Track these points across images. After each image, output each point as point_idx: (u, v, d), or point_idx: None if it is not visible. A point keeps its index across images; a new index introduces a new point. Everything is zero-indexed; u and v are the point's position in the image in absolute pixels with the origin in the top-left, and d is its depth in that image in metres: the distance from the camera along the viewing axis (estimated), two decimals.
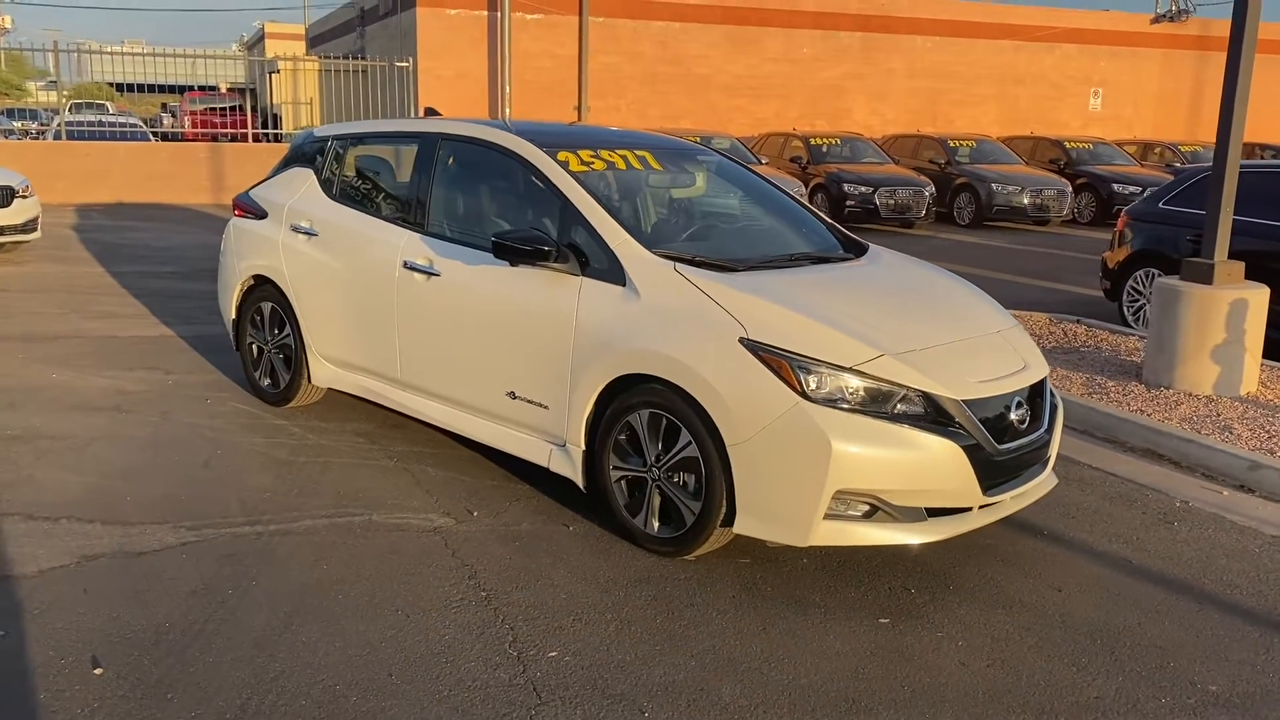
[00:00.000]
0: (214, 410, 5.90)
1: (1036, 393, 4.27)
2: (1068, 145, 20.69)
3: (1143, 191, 18.32)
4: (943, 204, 18.28)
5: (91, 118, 19.73)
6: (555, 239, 4.46)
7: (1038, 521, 4.63)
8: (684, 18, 19.75)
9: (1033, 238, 17.19)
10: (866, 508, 3.82)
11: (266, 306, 5.93)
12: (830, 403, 3.76)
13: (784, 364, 3.80)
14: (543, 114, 18.82)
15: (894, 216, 17.02)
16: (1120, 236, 9.42)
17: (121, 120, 19.86)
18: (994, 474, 3.95)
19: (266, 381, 6.02)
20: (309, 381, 5.74)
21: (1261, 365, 6.89)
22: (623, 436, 4.24)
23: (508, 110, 18.41)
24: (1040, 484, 4.28)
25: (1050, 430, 4.31)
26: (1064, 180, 18.65)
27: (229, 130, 23.27)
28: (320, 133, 5.97)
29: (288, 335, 5.80)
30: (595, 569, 4.05)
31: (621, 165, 4.86)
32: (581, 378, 4.30)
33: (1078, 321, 8.91)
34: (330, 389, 5.74)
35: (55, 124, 18.42)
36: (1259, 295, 6.55)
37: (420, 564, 4.05)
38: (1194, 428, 5.87)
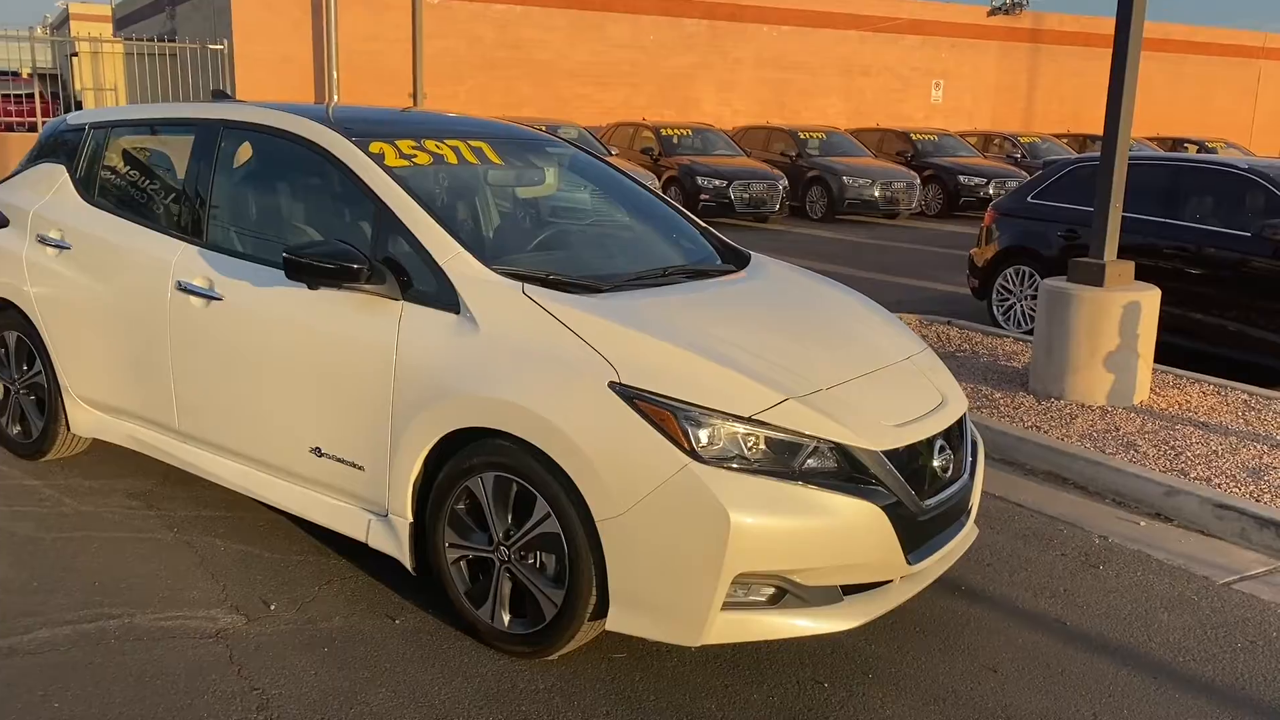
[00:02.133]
0: None
1: (957, 432, 3.58)
2: (914, 137, 20.69)
3: (987, 183, 18.42)
4: (795, 197, 17.92)
5: None
6: (367, 253, 3.52)
7: (952, 573, 3.96)
8: (524, 0, 18.76)
9: (886, 231, 16.99)
10: (772, 591, 3.05)
11: (11, 337, 4.76)
12: (725, 462, 2.96)
13: (668, 415, 2.98)
14: (376, 102, 17.53)
15: (749, 211, 16.52)
16: (988, 233, 9.02)
17: None
18: (918, 536, 3.24)
19: (16, 429, 4.84)
20: (68, 430, 4.61)
21: (1153, 370, 6.50)
22: (461, 506, 3.35)
23: (335, 99, 17.06)
24: (964, 539, 3.60)
25: (973, 475, 3.64)
26: (912, 173, 18.56)
27: (22, 119, 20.96)
28: (75, 119, 4.82)
29: (39, 373, 4.65)
30: (427, 686, 3.14)
31: (452, 159, 3.93)
32: (405, 431, 3.38)
33: (949, 323, 8.45)
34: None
35: None
36: (1151, 297, 6.12)
37: (191, 691, 3.05)
38: (1096, 445, 5.36)
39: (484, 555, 3.32)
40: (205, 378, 3.96)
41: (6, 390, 4.84)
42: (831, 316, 3.89)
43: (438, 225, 3.49)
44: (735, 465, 2.97)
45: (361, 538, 3.60)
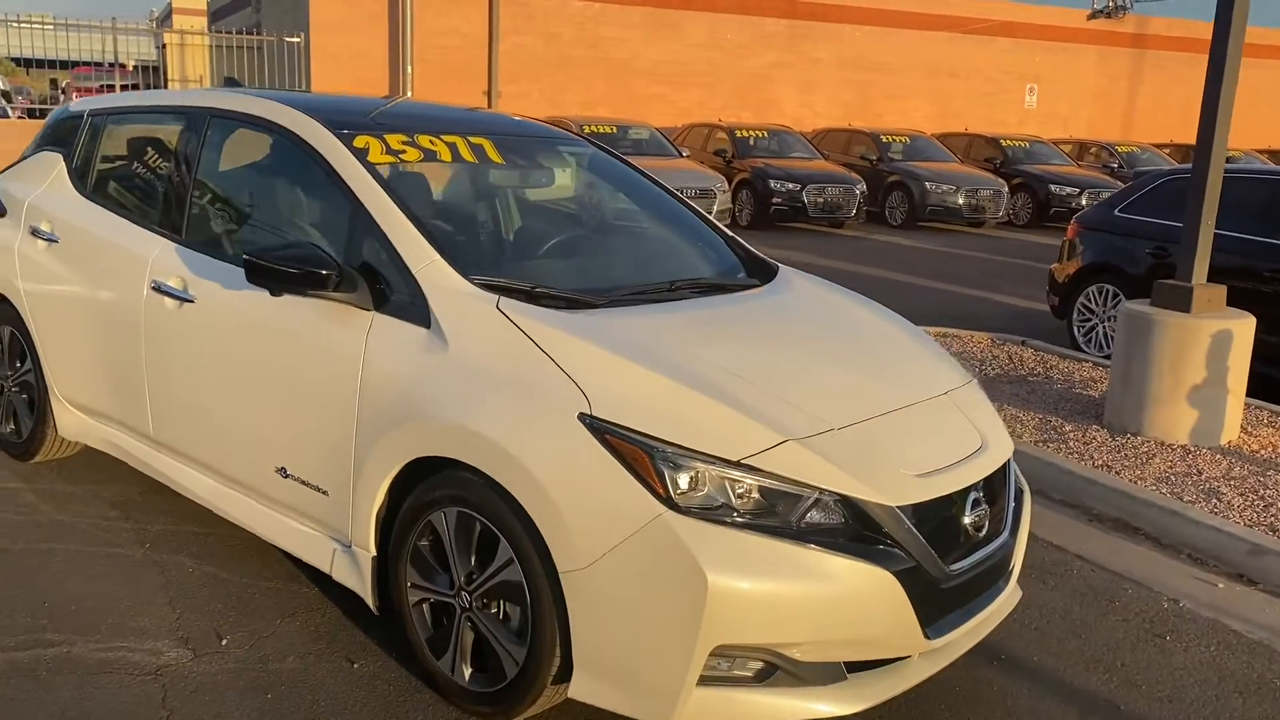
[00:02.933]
0: None
1: (998, 481, 3.11)
2: (1004, 143, 19.85)
3: (1079, 193, 17.55)
4: (874, 203, 17.29)
5: None
6: (341, 257, 3.19)
7: (991, 635, 3.47)
8: None
9: (968, 240, 16.27)
10: (760, 665, 2.61)
11: (5, 332, 4.56)
12: (709, 513, 2.55)
13: (642, 455, 2.57)
14: (449, 98, 17.31)
15: (823, 215, 15.96)
16: (1070, 247, 8.39)
17: None
18: (940, 606, 2.78)
19: (9, 428, 4.64)
20: (55, 432, 4.38)
21: (1245, 405, 5.86)
22: (425, 543, 2.99)
23: (409, 93, 16.96)
24: (1001, 605, 3.11)
25: (1015, 532, 3.15)
26: (1000, 180, 17.78)
27: None
28: (77, 106, 4.60)
29: (29, 371, 4.43)
30: None
31: (446, 156, 3.57)
32: (368, 456, 3.03)
33: (1023, 343, 7.85)
34: None
35: None
36: (1244, 326, 5.50)
37: None
38: (1174, 491, 4.79)
39: (446, 600, 2.95)
40: (177, 385, 3.68)
41: (1, 388, 4.65)
42: (859, 341, 3.44)
43: (414, 229, 3.14)
44: (720, 517, 2.55)
45: (326, 569, 3.27)
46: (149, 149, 4.17)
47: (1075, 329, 8.25)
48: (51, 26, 15.99)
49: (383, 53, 17.01)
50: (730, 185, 16.13)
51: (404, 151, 3.47)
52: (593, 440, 2.61)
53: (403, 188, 3.33)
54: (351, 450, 3.08)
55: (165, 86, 22.18)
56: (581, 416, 2.63)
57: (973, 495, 2.90)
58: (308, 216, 3.55)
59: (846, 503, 2.64)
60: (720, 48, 19.83)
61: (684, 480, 2.56)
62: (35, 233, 4.29)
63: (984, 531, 2.93)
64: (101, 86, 27.84)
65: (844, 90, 21.22)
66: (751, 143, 17.31)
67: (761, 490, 2.60)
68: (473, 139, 3.71)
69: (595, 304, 3.13)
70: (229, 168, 3.81)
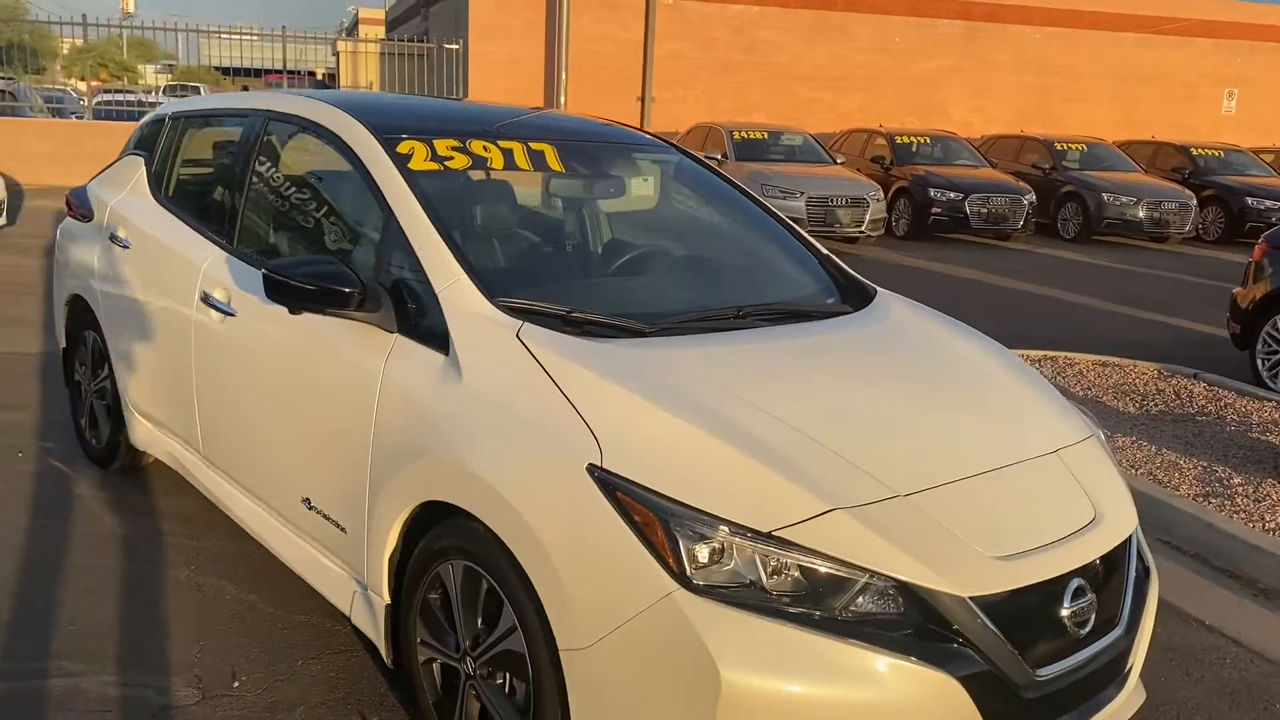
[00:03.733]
0: (12, 469, 4.50)
1: (1114, 563, 2.55)
2: (1194, 152, 18.29)
3: None
4: (1045, 214, 16.20)
5: (130, 97, 18.81)
6: (368, 272, 2.93)
7: None
8: (762, 1, 17.98)
9: (1148, 256, 15.01)
10: None
11: (90, 337, 4.53)
12: (731, 594, 2.13)
13: (654, 520, 2.18)
14: (603, 105, 17.28)
15: (986, 227, 15.03)
16: (1257, 269, 7.45)
17: (155, 102, 18.94)
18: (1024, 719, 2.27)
19: (92, 435, 4.61)
20: (129, 440, 4.30)
21: None
22: (434, 596, 2.68)
23: (562, 100, 16.94)
24: (1114, 715, 2.55)
25: (1135, 626, 2.59)
26: (1188, 192, 16.36)
27: None
28: (162, 109, 4.53)
29: (108, 377, 4.38)
30: None
31: (498, 164, 3.25)
32: (380, 494, 2.75)
33: (1195, 377, 7.00)
34: None
35: (91, 103, 17.63)
36: None
37: None
38: None
39: (453, 663, 2.63)
40: (220, 402, 3.51)
41: (86, 393, 4.63)
42: (953, 385, 2.93)
43: (443, 244, 2.83)
44: (745, 600, 2.12)
45: (346, 611, 3.01)
46: (212, 153, 4.03)
47: (1259, 362, 7.31)
48: (243, 37, 16.79)
49: (538, 59, 17.05)
50: (888, 193, 15.43)
51: (451, 158, 3.17)
52: (601, 498, 2.23)
53: (441, 197, 3.03)
54: (366, 485, 2.80)
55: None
56: (591, 469, 2.26)
57: (1075, 583, 2.37)
58: (347, 226, 3.31)
59: (904, 590, 2.17)
60: (887, 51, 19.04)
61: (702, 553, 2.15)
62: (113, 238, 4.22)
63: (1088, 627, 2.39)
64: None
65: (1020, 95, 20.03)
66: (913, 149, 16.50)
67: (797, 571, 2.16)
68: (534, 145, 3.38)
69: (645, 331, 2.75)
70: (279, 172, 3.61)
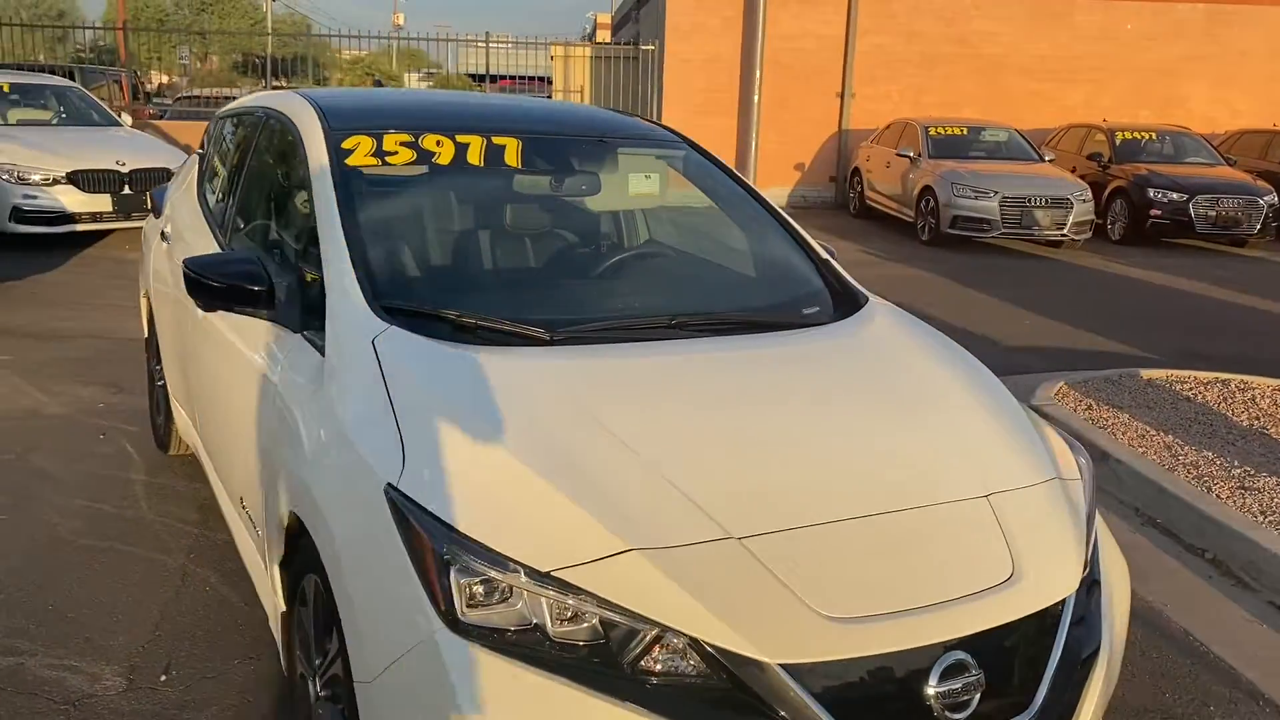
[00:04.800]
0: (90, 450, 4.79)
1: (1027, 635, 2.11)
2: None
3: None
4: None
5: None
6: (289, 270, 2.88)
7: None
8: None
9: None
10: None
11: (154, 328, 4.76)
12: (508, 640, 1.89)
13: (428, 549, 1.97)
14: (800, 103, 16.82)
15: (1215, 231, 13.50)
16: None
17: None
18: None
19: (156, 421, 4.85)
20: (175, 429, 4.48)
21: None
22: (303, 608, 2.57)
23: (755, 99, 16.61)
24: None
25: (1057, 714, 2.12)
26: None
27: None
28: (222, 110, 4.69)
29: (160, 366, 4.58)
30: None
31: (446, 159, 3.09)
32: (269, 500, 2.68)
33: None
34: None
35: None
36: None
37: None
38: None
39: (310, 681, 2.52)
40: (201, 397, 3.57)
41: (153, 381, 4.87)
42: (890, 412, 2.53)
43: (343, 241, 2.73)
44: (521, 648, 1.88)
45: (270, 615, 2.96)
46: (229, 150, 4.11)
47: None
48: (487, 44, 17.65)
49: (734, 57, 16.79)
50: (1104, 194, 14.18)
51: (395, 153, 3.07)
52: (391, 521, 2.04)
53: (366, 195, 2.93)
54: (263, 486, 2.74)
55: (550, 98, 23.67)
56: (389, 489, 2.08)
57: (951, 657, 1.97)
58: (291, 223, 3.26)
59: (700, 649, 1.86)
60: (1116, 39, 17.49)
61: (476, 590, 1.92)
62: (163, 235, 4.41)
63: (967, 712, 1.98)
64: None
65: (1273, 85, 17.91)
66: (1138, 145, 15.05)
67: (578, 619, 1.89)
68: (496, 140, 3.21)
69: (546, 339, 2.55)
70: (259, 166, 3.62)
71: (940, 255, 12.37)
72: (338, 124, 3.15)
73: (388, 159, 3.04)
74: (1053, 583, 2.17)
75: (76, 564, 3.72)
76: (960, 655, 1.98)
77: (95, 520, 4.06)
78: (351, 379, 2.40)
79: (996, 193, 12.62)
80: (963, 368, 2.82)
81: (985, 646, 2.02)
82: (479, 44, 18.31)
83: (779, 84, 16.81)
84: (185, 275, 2.81)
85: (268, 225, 3.43)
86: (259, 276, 2.78)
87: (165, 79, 44.19)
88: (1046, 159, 14.19)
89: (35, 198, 9.47)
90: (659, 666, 1.87)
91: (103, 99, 13.16)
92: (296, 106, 3.36)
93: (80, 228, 9.79)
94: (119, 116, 12.19)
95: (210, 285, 2.77)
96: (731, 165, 15.84)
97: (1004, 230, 12.69)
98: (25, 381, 5.79)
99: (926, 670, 1.95)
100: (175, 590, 3.56)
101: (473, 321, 2.56)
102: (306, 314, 2.71)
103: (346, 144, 3.05)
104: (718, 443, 2.24)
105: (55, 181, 9.55)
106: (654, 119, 16.44)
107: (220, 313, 3.15)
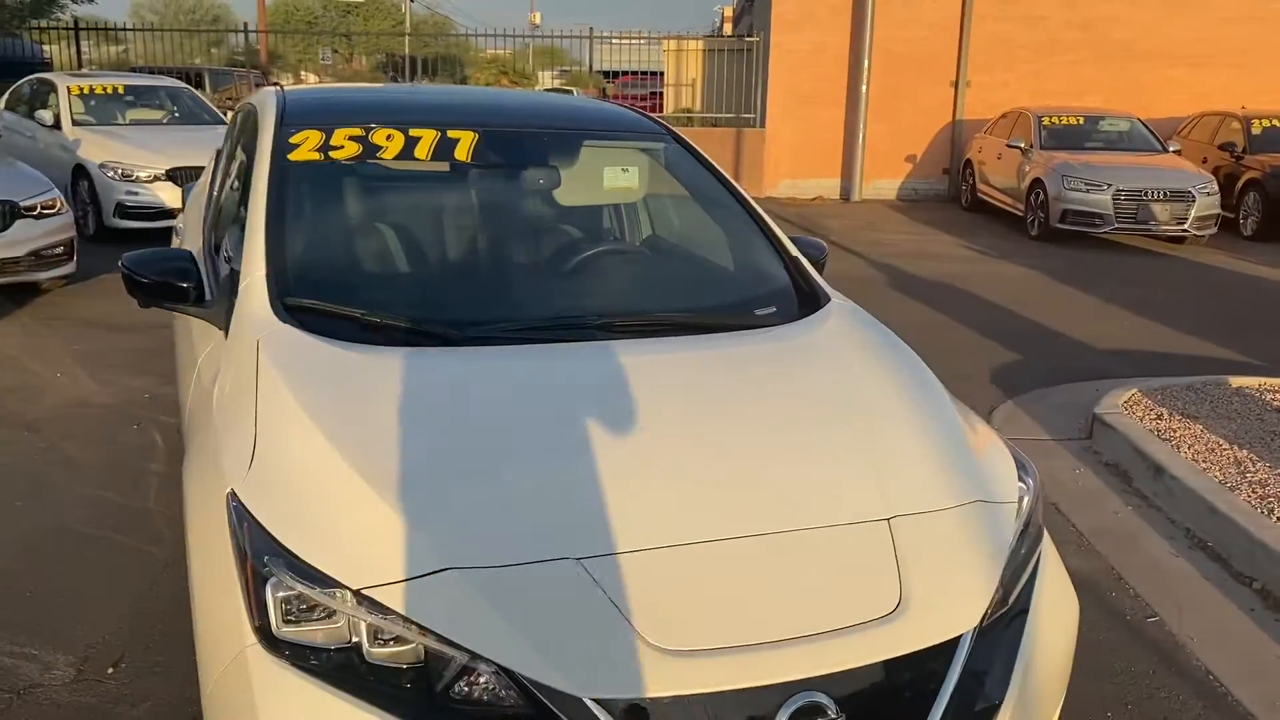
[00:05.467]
0: (120, 440, 4.92)
1: (911, 673, 1.89)
2: None
3: None
4: None
5: None
6: (223, 268, 2.86)
7: None
8: None
9: None
10: None
11: None
12: (321, 660, 1.80)
13: (249, 559, 1.90)
14: (912, 92, 16.22)
15: None
16: None
17: None
18: None
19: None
20: None
21: None
22: None
23: (863, 89, 16.10)
24: None
25: None
26: None
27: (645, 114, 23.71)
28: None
29: None
30: None
31: (391, 154, 3.01)
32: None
33: None
34: None
35: None
36: None
37: None
38: None
39: None
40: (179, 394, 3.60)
41: None
42: (798, 426, 2.32)
43: (261, 239, 2.69)
44: (333, 669, 1.78)
45: None
46: (225, 146, 4.14)
47: None
48: (612, 40, 17.83)
49: (842, 46, 16.32)
50: (1236, 186, 13.24)
51: (341, 148, 3.00)
52: (225, 528, 1.97)
53: (302, 189, 2.89)
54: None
55: (662, 91, 23.61)
56: (230, 497, 2.01)
57: (805, 697, 1.78)
58: (239, 218, 3.23)
59: (513, 680, 1.72)
60: (1263, 19, 16.28)
61: (296, 605, 1.83)
62: (175, 232, 4.48)
63: None
64: (636, 94, 30.41)
65: None
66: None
67: (389, 642, 1.78)
68: (451, 133, 3.12)
69: (454, 340, 2.45)
70: (234, 163, 3.63)
71: (1048, 251, 11.75)
72: (293, 119, 3.12)
73: (331, 153, 2.99)
74: (945, 619, 1.94)
75: (68, 552, 3.81)
76: (816, 697, 1.78)
77: (100, 509, 4.16)
78: (230, 379, 2.36)
79: (1110, 185, 11.91)
80: (905, 378, 2.58)
81: (852, 688, 1.82)
82: (582, 38, 18.35)
83: (889, 73, 16.29)
84: (121, 272, 2.82)
85: (230, 221, 3.43)
86: (189, 273, 2.77)
87: (315, 79, 46.00)
88: (1170, 149, 13.33)
89: (137, 194, 9.89)
90: (479, 696, 1.74)
91: (231, 99, 13.70)
92: (266, 101, 3.35)
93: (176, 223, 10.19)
94: None
95: (141, 281, 2.77)
96: (839, 157, 15.25)
97: (1118, 225, 11.97)
98: (85, 371, 6.02)
99: (772, 713, 1.76)
100: (152, 583, 3.60)
101: (378, 321, 2.49)
102: (229, 311, 2.67)
103: (295, 139, 3.01)
104: (589, 454, 2.09)
105: (156, 178, 9.95)
106: (757, 111, 16.24)
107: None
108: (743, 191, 3.32)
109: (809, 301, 2.92)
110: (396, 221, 3.12)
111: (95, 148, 10.20)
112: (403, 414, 2.13)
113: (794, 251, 3.12)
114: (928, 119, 16.64)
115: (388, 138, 3.06)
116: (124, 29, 18.04)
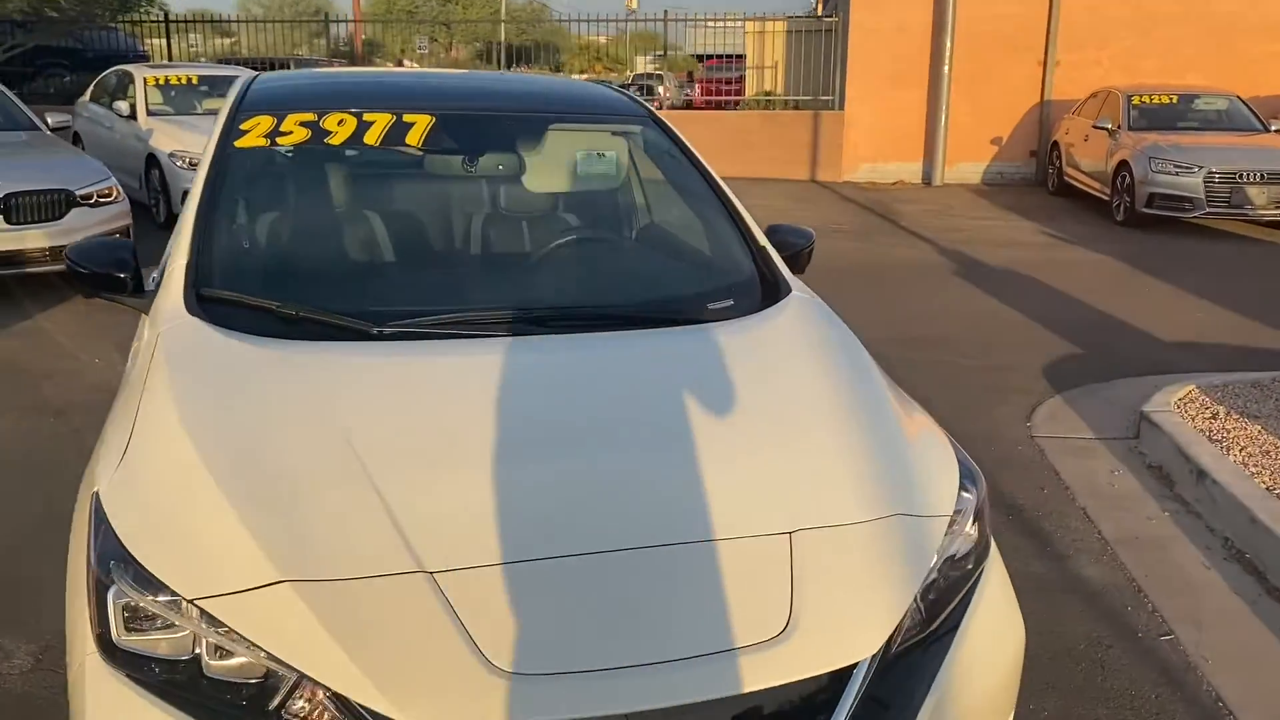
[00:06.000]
0: None
1: (793, 711, 1.72)
2: None
3: None
4: None
5: None
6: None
7: None
8: None
9: None
10: None
11: None
12: (153, 671, 1.72)
13: (93, 563, 1.83)
14: (998, 72, 15.57)
15: None
16: None
17: None
18: None
19: None
20: None
21: None
22: None
23: (945, 69, 15.55)
24: None
25: None
26: None
27: (729, 98, 23.79)
28: None
29: None
30: None
31: (338, 140, 2.91)
32: None
33: None
34: None
35: None
36: None
37: None
38: None
39: None
40: None
41: None
42: (713, 428, 2.15)
43: (189, 228, 2.63)
44: (170, 684, 1.70)
45: None
46: None
47: None
48: (704, 23, 17.72)
49: (924, 25, 15.77)
50: None
51: (290, 133, 2.93)
52: (85, 533, 1.91)
53: (240, 177, 2.83)
54: None
55: (744, 73, 23.31)
56: (94, 497, 1.94)
57: None
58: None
59: (344, 703, 1.61)
60: None
61: (137, 613, 1.75)
62: None
63: None
64: (722, 78, 30.02)
65: None
66: None
67: (223, 656, 1.69)
68: (408, 116, 3.01)
69: (371, 333, 2.36)
70: None
71: (1132, 238, 11.18)
72: (251, 105, 3.06)
73: (278, 139, 2.91)
74: (837, 644, 1.76)
75: (61, 541, 3.83)
76: None
77: None
78: (133, 374, 2.30)
79: (1201, 168, 11.26)
80: (844, 379, 2.39)
81: (714, 716, 1.66)
82: (658, 20, 18.20)
83: (974, 52, 15.70)
84: (65, 263, 2.79)
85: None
86: (125, 264, 2.72)
87: (415, 66, 46.74)
88: (1273, 129, 12.55)
89: None
90: (314, 716, 1.64)
91: None
92: (234, 88, 3.29)
93: None
94: None
95: (80, 272, 2.74)
96: (920, 140, 14.77)
97: (1210, 210, 11.32)
98: (122, 357, 6.11)
99: None
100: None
101: (291, 313, 2.40)
102: (151, 302, 2.63)
103: (245, 124, 2.95)
104: (468, 460, 1.96)
105: None
106: (836, 93, 15.85)
107: None
108: (717, 178, 3.14)
109: (771, 294, 2.74)
110: (336, 209, 3.03)
111: (166, 137, 10.44)
112: (279, 416, 2.04)
113: (761, 241, 2.94)
114: (1014, 100, 16.00)
115: (339, 122, 2.97)
116: (213, 20, 18.53)
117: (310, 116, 2.97)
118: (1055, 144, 14.83)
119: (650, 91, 28.79)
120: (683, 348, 2.45)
